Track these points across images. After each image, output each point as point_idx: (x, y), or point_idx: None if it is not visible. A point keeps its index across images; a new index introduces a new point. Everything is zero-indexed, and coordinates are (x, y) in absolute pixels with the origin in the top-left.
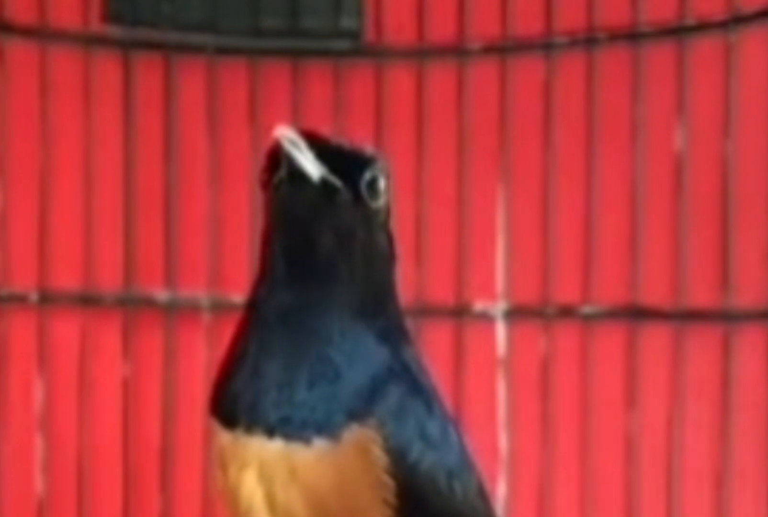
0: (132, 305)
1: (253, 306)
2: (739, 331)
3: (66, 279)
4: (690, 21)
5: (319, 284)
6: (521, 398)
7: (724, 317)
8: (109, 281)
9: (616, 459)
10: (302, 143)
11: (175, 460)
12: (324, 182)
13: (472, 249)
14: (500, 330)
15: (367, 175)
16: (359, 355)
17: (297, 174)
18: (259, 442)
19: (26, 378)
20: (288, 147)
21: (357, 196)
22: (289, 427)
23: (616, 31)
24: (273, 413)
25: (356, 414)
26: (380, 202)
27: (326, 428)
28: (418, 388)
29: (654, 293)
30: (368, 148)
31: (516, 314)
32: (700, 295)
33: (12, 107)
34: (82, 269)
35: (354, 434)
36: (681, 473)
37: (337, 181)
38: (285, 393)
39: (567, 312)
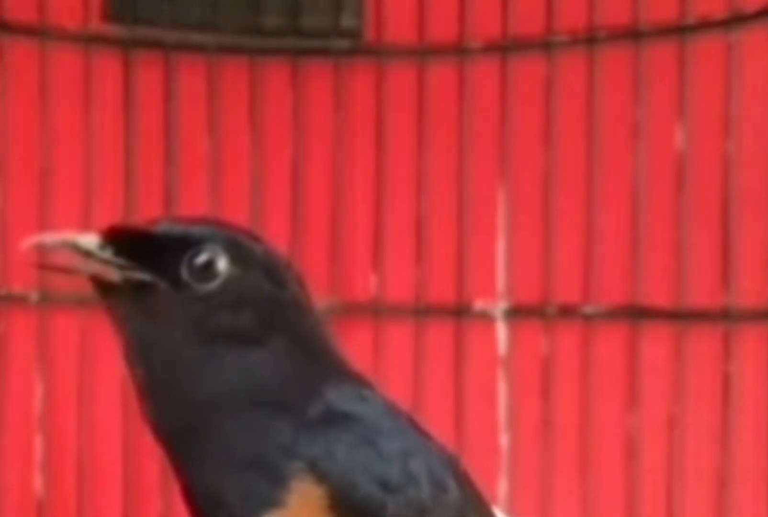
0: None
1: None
2: (740, 331)
3: (66, 279)
4: (691, 20)
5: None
6: (521, 398)
7: (725, 317)
8: None
9: (616, 459)
10: (81, 244)
11: None
12: (129, 282)
13: (472, 249)
14: (500, 330)
15: (191, 258)
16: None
17: (98, 285)
18: None
19: (26, 378)
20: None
21: (179, 283)
22: None
23: (617, 30)
24: None
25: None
26: (215, 283)
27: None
28: (352, 430)
29: (655, 293)
30: (204, 226)
31: (516, 313)
32: (701, 295)
33: (12, 107)
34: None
35: (292, 501)
36: (681, 473)
37: (144, 276)
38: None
39: (567, 312)
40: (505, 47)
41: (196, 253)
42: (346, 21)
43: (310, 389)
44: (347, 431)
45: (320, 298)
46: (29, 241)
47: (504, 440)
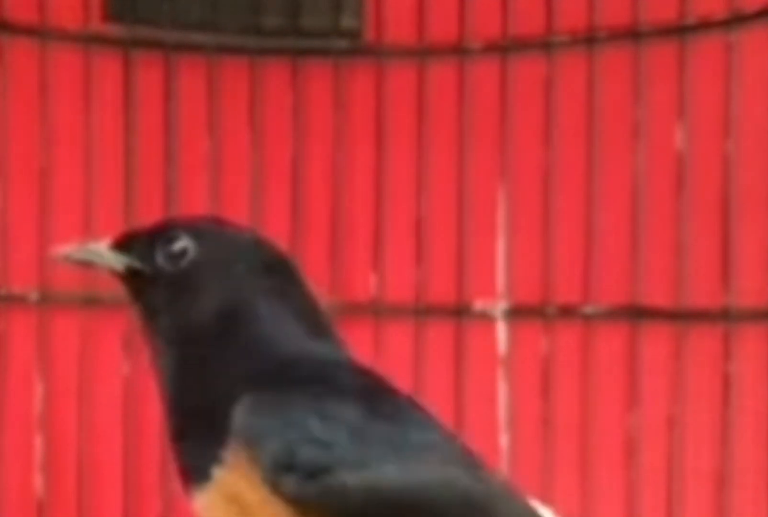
0: (132, 305)
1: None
2: (740, 331)
3: (66, 279)
4: (691, 20)
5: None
6: (521, 398)
7: (725, 317)
8: (109, 281)
9: (616, 459)
10: (91, 247)
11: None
12: (129, 270)
13: (472, 249)
14: (500, 330)
15: (165, 245)
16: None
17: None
18: (196, 498)
19: (26, 378)
20: (83, 258)
21: (156, 267)
22: (194, 478)
23: (617, 30)
24: (189, 471)
25: (222, 444)
26: (184, 263)
27: (203, 469)
28: (300, 390)
29: (655, 293)
30: (178, 222)
31: (516, 313)
32: (701, 295)
33: (12, 106)
34: (82, 269)
35: (227, 461)
36: (681, 473)
37: (134, 263)
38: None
39: (567, 312)
40: (505, 47)
41: (169, 242)
42: (346, 21)
43: (279, 355)
44: (296, 394)
45: (320, 298)
46: (61, 254)
47: (504, 440)
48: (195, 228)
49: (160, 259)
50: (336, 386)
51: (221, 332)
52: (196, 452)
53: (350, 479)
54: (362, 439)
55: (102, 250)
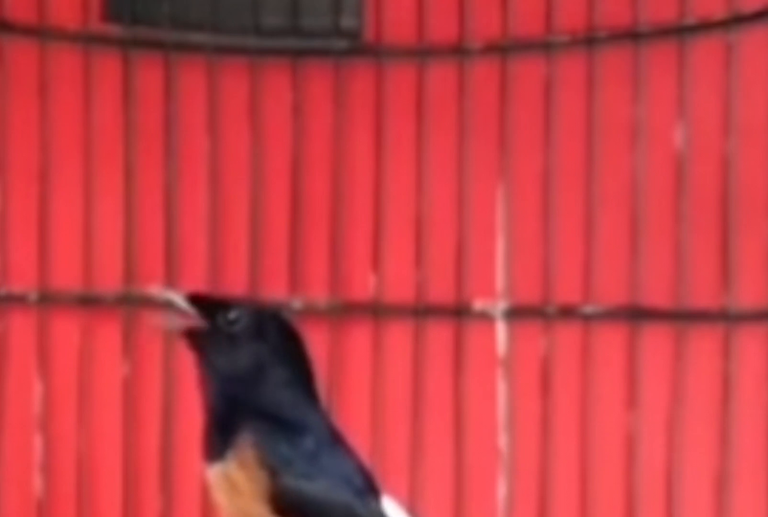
0: (132, 305)
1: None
2: (740, 331)
3: (66, 279)
4: (690, 20)
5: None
6: (521, 398)
7: (725, 318)
8: (109, 280)
9: (616, 459)
10: (176, 298)
11: (175, 460)
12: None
13: (472, 249)
14: (500, 330)
15: (226, 314)
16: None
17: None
18: (210, 469)
19: (26, 378)
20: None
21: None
22: (213, 457)
23: (617, 30)
24: (210, 451)
25: (234, 443)
26: (236, 327)
27: (220, 453)
28: (288, 428)
29: (654, 293)
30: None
31: (516, 313)
32: (701, 295)
33: (12, 106)
34: (82, 269)
35: (236, 452)
36: (681, 473)
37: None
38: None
39: (567, 312)
40: (504, 47)
41: (229, 311)
42: (346, 21)
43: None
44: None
45: (320, 298)
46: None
47: (503, 440)
48: (246, 304)
49: (220, 320)
50: (305, 428)
51: (251, 379)
52: (217, 442)
53: (291, 482)
54: (309, 461)
55: (182, 301)
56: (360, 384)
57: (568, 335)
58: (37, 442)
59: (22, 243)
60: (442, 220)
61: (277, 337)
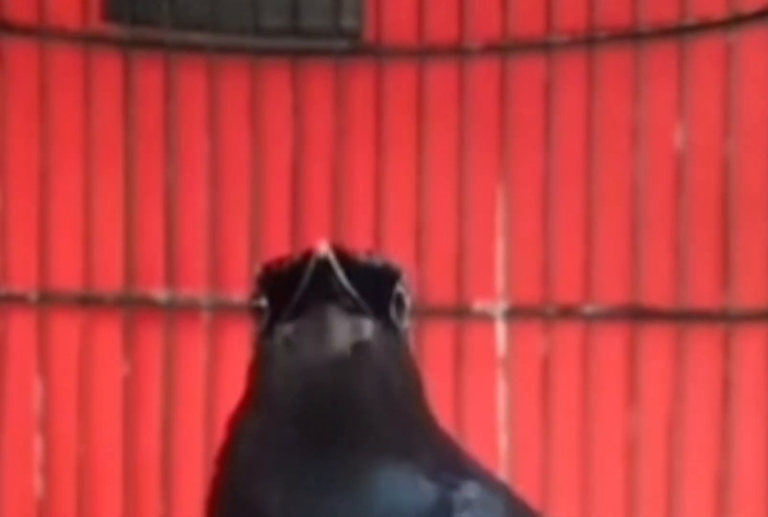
0: (132, 305)
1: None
2: (740, 331)
3: (66, 279)
4: (690, 20)
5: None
6: (521, 398)
7: (725, 318)
8: (109, 280)
9: (616, 459)
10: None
11: (175, 460)
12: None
13: (472, 249)
14: (500, 330)
15: (395, 294)
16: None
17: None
18: None
19: (26, 378)
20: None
21: (387, 323)
22: None
23: (617, 30)
24: None
25: None
26: (406, 323)
27: None
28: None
29: (655, 293)
30: (383, 257)
31: (516, 314)
32: (701, 295)
33: (12, 106)
34: (82, 269)
35: None
36: (681, 473)
37: (367, 311)
38: None
39: (567, 312)
40: (504, 47)
41: (399, 290)
42: (346, 21)
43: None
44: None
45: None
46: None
47: (503, 440)
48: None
49: (392, 311)
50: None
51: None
52: None
53: None
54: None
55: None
56: None
57: (568, 335)
58: (37, 442)
59: (22, 243)
60: (442, 220)
61: None
